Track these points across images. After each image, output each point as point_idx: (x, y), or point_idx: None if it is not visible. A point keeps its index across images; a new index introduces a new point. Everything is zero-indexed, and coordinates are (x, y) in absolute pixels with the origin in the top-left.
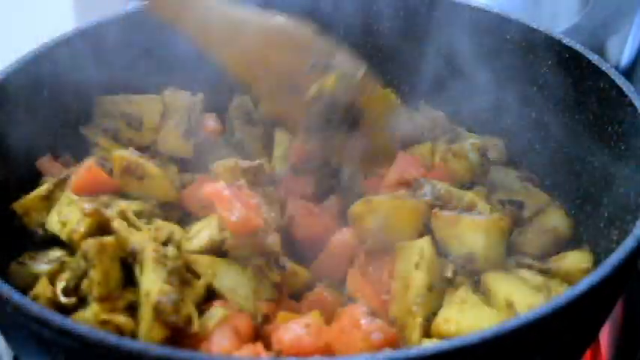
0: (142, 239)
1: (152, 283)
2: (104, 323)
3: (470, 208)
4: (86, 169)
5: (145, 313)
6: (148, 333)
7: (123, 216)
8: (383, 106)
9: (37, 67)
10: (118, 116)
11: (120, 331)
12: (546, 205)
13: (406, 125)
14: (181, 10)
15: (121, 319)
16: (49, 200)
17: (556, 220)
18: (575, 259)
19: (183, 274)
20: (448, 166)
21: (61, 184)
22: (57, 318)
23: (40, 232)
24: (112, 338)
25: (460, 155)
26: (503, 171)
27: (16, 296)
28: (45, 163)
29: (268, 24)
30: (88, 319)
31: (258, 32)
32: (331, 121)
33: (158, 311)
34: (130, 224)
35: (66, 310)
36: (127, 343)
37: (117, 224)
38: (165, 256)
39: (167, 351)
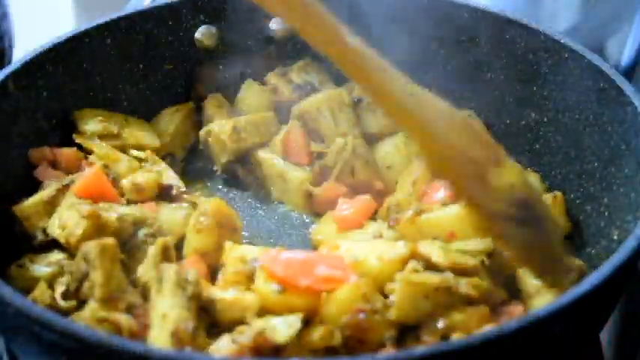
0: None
1: (170, 308)
2: (102, 321)
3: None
4: (93, 174)
5: (160, 335)
6: None
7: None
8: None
9: (37, 68)
10: (97, 120)
11: (119, 329)
12: None
13: (380, 118)
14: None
15: (120, 317)
16: (51, 205)
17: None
18: None
19: (202, 301)
20: None
21: (64, 190)
22: (59, 320)
23: (40, 236)
24: (115, 340)
25: None
26: None
27: (17, 298)
28: (44, 170)
29: (457, 113)
30: (85, 318)
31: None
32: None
33: (175, 338)
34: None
35: (65, 314)
36: (129, 344)
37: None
38: (187, 281)
39: (169, 352)
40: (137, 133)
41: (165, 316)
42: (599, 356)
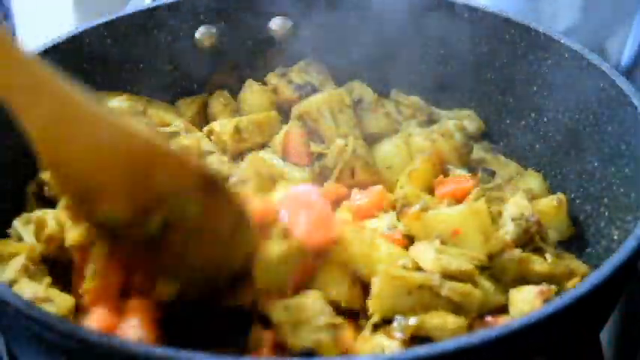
0: None
1: None
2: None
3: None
4: None
5: None
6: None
7: None
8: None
9: None
10: (122, 99)
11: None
12: (518, 172)
13: (381, 119)
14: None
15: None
16: None
17: (531, 182)
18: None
19: None
20: (436, 147)
21: None
22: (59, 320)
23: None
24: (115, 340)
25: (446, 136)
26: (475, 146)
27: (17, 298)
28: None
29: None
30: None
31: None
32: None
33: None
34: None
35: None
36: (129, 344)
37: None
38: None
39: (170, 352)
40: (161, 112)
41: None
42: (599, 356)
